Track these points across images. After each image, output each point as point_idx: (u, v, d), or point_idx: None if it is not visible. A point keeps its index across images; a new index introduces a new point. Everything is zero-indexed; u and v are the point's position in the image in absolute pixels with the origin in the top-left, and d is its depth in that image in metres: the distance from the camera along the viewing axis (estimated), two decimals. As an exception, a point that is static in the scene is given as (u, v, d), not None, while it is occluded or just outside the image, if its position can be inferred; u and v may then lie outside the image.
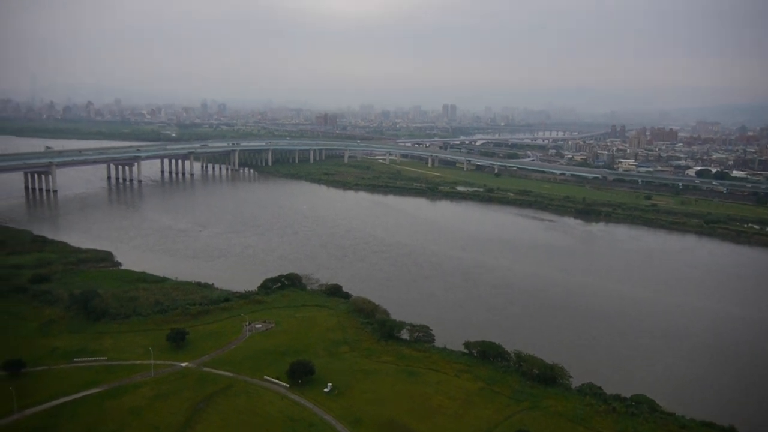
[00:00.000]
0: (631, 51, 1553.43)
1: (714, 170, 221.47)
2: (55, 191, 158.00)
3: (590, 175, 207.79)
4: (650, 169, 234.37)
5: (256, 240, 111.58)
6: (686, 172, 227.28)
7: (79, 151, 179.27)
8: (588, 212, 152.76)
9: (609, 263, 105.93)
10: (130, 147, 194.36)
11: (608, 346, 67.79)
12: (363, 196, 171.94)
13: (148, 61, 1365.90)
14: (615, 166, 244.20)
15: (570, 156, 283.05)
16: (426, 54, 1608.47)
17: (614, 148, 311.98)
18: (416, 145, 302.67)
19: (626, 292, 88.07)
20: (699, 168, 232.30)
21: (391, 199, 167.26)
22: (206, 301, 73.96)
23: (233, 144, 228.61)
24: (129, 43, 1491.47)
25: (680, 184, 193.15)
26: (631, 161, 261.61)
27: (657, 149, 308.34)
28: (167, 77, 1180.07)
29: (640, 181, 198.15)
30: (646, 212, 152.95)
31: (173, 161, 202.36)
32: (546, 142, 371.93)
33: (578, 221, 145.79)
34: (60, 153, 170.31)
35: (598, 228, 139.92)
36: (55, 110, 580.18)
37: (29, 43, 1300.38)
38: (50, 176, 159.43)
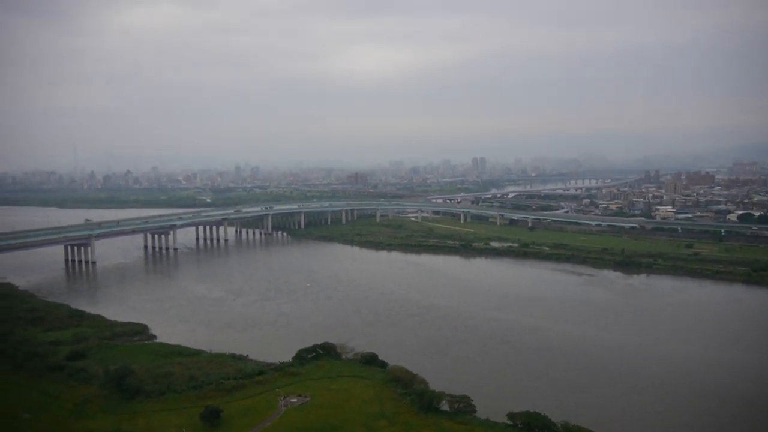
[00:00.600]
0: (659, 94, 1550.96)
1: (757, 214, 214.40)
2: (93, 263, 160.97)
3: (627, 225, 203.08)
4: (689, 215, 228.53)
5: (290, 307, 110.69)
6: (727, 217, 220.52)
7: (117, 222, 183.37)
8: (628, 264, 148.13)
9: (655, 319, 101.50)
10: (166, 216, 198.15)
11: (661, 414, 63.67)
12: (396, 256, 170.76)
13: (184, 128, 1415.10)
14: (652, 213, 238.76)
15: (605, 205, 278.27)
16: (454, 108, 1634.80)
17: (650, 195, 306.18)
18: (448, 201, 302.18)
19: (678, 351, 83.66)
20: (741, 212, 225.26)
21: (425, 258, 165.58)
22: (241, 375, 72.57)
23: (266, 208, 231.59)
24: (166, 112, 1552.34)
25: (722, 230, 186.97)
26: (669, 208, 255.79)
27: (695, 194, 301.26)
28: (202, 142, 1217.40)
29: (679, 228, 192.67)
30: (689, 261, 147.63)
31: (208, 228, 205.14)
32: (579, 191, 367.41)
33: (618, 274, 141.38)
34: (99, 225, 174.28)
35: (640, 280, 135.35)
36: (96, 180, 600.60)
37: (72, 116, 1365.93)
38: (89, 248, 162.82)
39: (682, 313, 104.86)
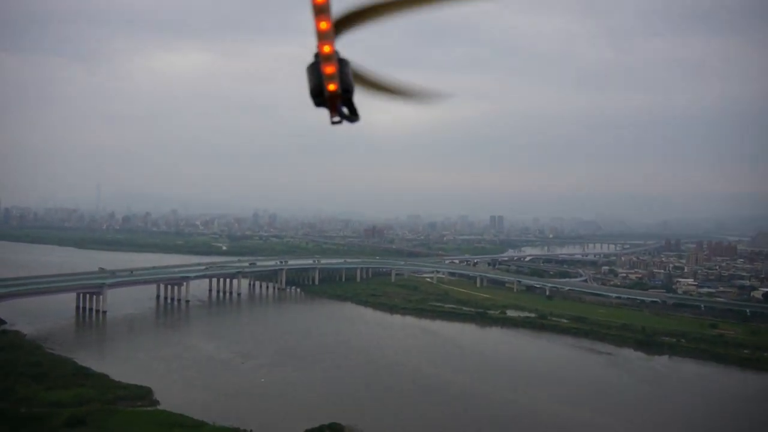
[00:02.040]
0: (681, 158, 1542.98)
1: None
2: (104, 312, 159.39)
3: (648, 299, 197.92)
4: (712, 290, 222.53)
5: (298, 376, 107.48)
6: (752, 294, 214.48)
7: (131, 272, 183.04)
8: (649, 344, 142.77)
9: (683, 412, 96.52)
10: (180, 267, 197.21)
11: None
12: (410, 321, 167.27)
13: (206, 171, 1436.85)
14: (673, 286, 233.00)
15: (624, 274, 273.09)
16: (473, 163, 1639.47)
17: (671, 266, 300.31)
18: (464, 263, 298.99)
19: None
20: (766, 290, 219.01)
21: (439, 326, 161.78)
22: (242, 456, 69.52)
23: (281, 262, 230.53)
24: (190, 155, 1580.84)
25: (747, 310, 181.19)
26: (691, 281, 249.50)
27: (717, 267, 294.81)
28: (223, 185, 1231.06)
29: (702, 306, 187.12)
30: (714, 344, 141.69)
31: (221, 280, 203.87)
32: (597, 257, 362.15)
33: (639, 354, 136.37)
34: (113, 273, 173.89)
35: (662, 363, 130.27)
36: (115, 220, 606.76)
37: (98, 154, 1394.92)
38: (101, 297, 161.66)
39: (711, 407, 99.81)
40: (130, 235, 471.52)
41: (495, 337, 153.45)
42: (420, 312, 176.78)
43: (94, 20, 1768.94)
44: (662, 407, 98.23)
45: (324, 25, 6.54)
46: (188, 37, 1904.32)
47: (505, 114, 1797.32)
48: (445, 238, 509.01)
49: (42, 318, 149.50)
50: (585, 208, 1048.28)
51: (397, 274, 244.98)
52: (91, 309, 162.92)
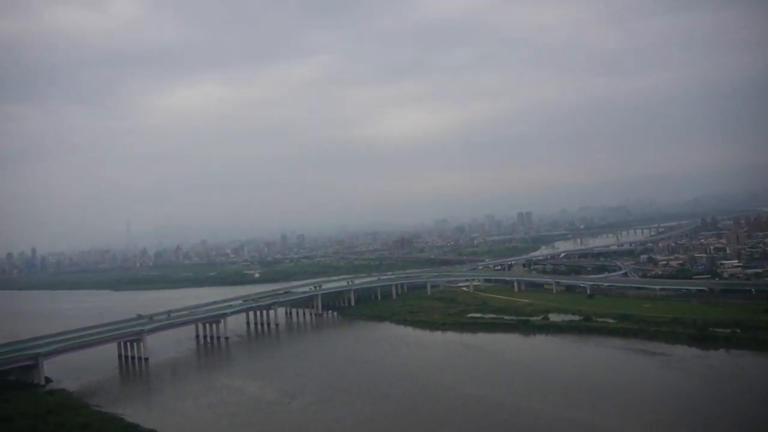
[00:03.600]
0: (707, 133, 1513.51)
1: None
2: (146, 359, 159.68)
3: (694, 288, 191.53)
4: (759, 270, 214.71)
5: (346, 412, 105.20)
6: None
7: (168, 314, 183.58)
8: (703, 338, 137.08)
9: (750, 415, 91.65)
10: (216, 304, 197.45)
11: None
12: (451, 337, 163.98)
13: (230, 197, 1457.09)
14: (718, 270, 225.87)
15: (664, 262, 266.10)
16: (493, 162, 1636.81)
17: (711, 248, 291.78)
18: (499, 267, 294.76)
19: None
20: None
21: (482, 339, 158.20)
22: None
23: (315, 287, 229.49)
24: (212, 184, 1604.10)
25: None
26: (735, 262, 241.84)
27: (760, 244, 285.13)
28: (249, 210, 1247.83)
29: (753, 290, 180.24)
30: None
31: (258, 312, 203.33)
32: (633, 245, 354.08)
33: (694, 351, 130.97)
34: (150, 318, 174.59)
35: (720, 359, 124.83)
36: (148, 257, 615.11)
37: (124, 193, 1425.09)
38: (141, 344, 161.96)
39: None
40: (163, 271, 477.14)
41: (541, 346, 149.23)
42: (460, 326, 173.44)
43: (108, 64, 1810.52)
44: (733, 411, 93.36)
45: None
46: (199, 70, 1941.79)
47: (521, 109, 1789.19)
48: (475, 241, 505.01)
49: (86, 372, 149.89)
50: (613, 194, 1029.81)
51: (432, 286, 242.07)
52: (132, 357, 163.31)
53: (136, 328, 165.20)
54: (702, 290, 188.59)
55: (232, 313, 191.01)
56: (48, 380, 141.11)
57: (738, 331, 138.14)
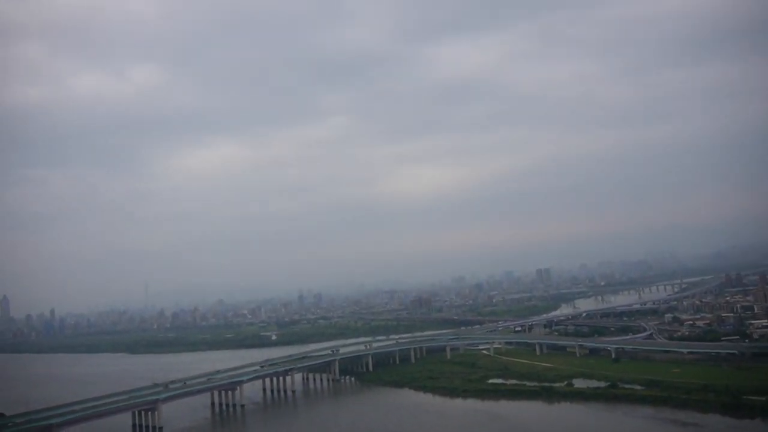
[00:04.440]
0: (728, 182, 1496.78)
1: None
2: (161, 428, 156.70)
3: (723, 351, 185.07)
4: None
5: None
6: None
7: (184, 382, 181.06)
8: (737, 407, 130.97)
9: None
10: (232, 372, 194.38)
11: None
12: (472, 405, 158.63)
13: (247, 257, 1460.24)
14: (747, 330, 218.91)
15: (690, 322, 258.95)
16: (511, 217, 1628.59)
17: (738, 306, 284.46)
18: (519, 329, 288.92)
19: None
20: None
21: (504, 407, 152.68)
22: None
23: (333, 351, 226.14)
24: (229, 243, 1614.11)
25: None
26: (764, 322, 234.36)
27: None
28: (266, 268, 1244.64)
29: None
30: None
31: (274, 378, 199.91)
32: (657, 304, 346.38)
33: (728, 421, 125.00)
34: (166, 386, 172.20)
35: (756, 430, 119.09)
36: (165, 318, 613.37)
37: (142, 254, 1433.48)
38: (156, 413, 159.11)
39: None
40: (179, 333, 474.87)
41: (566, 415, 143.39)
42: (482, 393, 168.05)
43: (129, 128, 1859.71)
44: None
45: None
46: (218, 132, 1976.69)
47: (536, 163, 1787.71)
48: (494, 300, 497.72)
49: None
50: (633, 248, 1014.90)
51: (452, 349, 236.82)
52: (147, 426, 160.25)
53: (151, 397, 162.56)
54: (732, 353, 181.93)
55: (249, 380, 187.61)
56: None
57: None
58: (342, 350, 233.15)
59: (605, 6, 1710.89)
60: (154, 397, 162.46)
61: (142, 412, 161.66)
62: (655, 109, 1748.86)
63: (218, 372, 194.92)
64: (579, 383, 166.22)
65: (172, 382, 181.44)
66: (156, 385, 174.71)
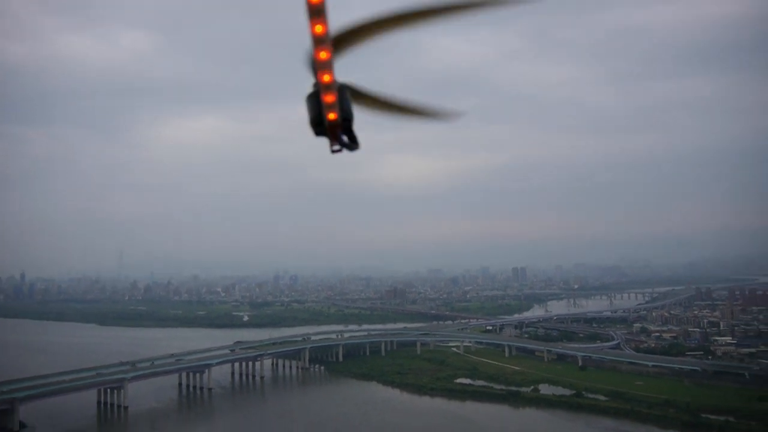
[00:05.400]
0: (706, 194, 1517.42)
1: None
2: (126, 407, 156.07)
3: (686, 367, 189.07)
4: (753, 350, 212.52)
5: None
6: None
7: (152, 362, 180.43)
8: (696, 425, 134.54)
9: None
10: (202, 353, 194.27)
11: None
12: (439, 404, 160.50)
13: (225, 232, 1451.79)
14: (711, 347, 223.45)
15: (657, 333, 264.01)
16: (491, 213, 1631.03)
17: (705, 321, 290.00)
18: (490, 328, 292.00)
19: None
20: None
21: (470, 409, 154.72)
22: None
23: (303, 339, 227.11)
24: (208, 217, 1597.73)
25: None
26: (729, 339, 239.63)
27: (755, 321, 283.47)
28: (243, 245, 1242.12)
29: (747, 374, 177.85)
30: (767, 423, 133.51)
31: (243, 363, 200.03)
32: (626, 313, 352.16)
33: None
34: (133, 366, 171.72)
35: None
36: (137, 289, 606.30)
37: (118, 222, 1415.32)
38: (122, 392, 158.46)
39: None
40: (151, 307, 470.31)
41: (530, 422, 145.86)
42: (449, 393, 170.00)
43: (114, 93, 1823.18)
44: None
45: (324, 54, 6.52)
46: (204, 105, 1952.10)
47: (519, 162, 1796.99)
48: (468, 296, 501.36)
49: (63, 418, 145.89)
50: (608, 252, 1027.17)
51: (422, 344, 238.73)
52: (112, 404, 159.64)
53: (117, 376, 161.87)
54: (695, 370, 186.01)
55: (218, 363, 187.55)
56: (23, 425, 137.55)
57: (731, 419, 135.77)
58: (313, 338, 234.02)
59: (599, 13, 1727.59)
60: (120, 376, 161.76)
61: (108, 390, 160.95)
62: (638, 119, 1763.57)
63: (188, 353, 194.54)
64: (545, 389, 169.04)
65: (140, 361, 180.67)
66: (123, 363, 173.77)
